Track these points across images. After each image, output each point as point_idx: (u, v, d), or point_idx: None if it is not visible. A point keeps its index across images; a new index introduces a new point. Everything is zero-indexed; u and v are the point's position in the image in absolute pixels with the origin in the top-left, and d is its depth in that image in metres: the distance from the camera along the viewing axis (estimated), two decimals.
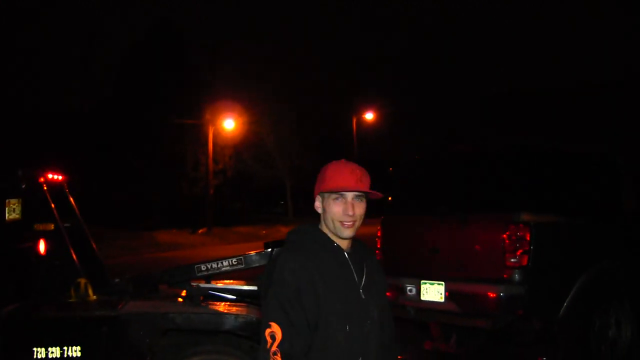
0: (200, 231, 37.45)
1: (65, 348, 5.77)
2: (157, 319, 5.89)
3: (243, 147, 43.83)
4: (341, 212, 3.36)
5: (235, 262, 6.83)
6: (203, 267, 6.78)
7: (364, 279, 3.44)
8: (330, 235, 3.42)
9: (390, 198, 9.06)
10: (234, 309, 6.16)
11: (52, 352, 5.76)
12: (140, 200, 41.56)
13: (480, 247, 7.48)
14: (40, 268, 6.62)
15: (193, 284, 6.75)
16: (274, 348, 3.15)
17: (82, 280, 6.51)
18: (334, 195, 3.37)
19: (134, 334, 5.86)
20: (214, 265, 6.81)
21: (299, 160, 46.85)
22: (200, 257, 6.99)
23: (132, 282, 6.88)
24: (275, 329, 3.17)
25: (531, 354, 7.92)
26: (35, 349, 5.75)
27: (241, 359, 5.98)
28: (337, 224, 3.37)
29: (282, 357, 3.15)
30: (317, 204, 3.47)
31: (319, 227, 3.47)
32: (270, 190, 51.85)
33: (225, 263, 6.81)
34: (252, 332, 5.96)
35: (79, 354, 5.77)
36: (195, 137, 40.54)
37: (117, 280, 6.94)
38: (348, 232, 3.38)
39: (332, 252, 3.39)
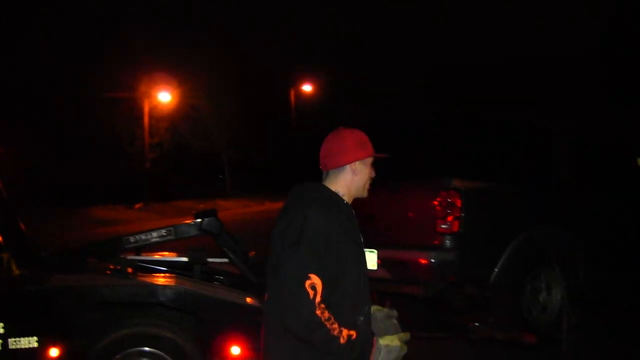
0: (137, 206, 36.96)
1: None
2: (84, 292, 5.76)
3: (180, 120, 43.32)
4: (371, 175, 3.72)
5: (165, 233, 6.73)
6: (132, 239, 6.65)
7: (361, 237, 3.74)
8: (341, 195, 3.62)
9: None
10: (163, 281, 6.05)
11: None
12: (76, 177, 40.83)
13: (412, 214, 7.46)
14: None
15: (123, 256, 6.64)
16: (318, 298, 3.27)
17: (4, 255, 6.32)
18: (370, 160, 3.69)
19: (60, 309, 5.70)
20: (143, 237, 6.69)
21: (236, 133, 46.53)
22: (136, 232, 6.86)
23: (59, 256, 6.71)
24: (316, 280, 3.28)
25: (465, 320, 7.97)
26: None
27: (171, 330, 5.86)
28: (366, 186, 3.73)
29: (326, 307, 3.29)
30: (356, 168, 3.64)
31: (326, 186, 3.63)
32: (209, 164, 51.39)
33: (154, 234, 6.70)
34: (182, 304, 5.87)
35: (1, 331, 5.61)
36: (130, 111, 39.92)
37: (43, 254, 6.74)
38: (367, 193, 3.76)
39: (345, 210, 3.60)
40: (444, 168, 7.52)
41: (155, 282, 5.97)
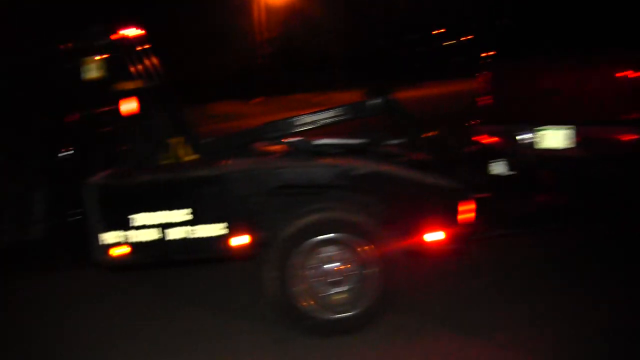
0: (254, 101, 36.79)
1: (167, 213, 5.20)
2: (266, 176, 5.27)
3: (292, 13, 42.61)
4: None
5: (341, 112, 6.19)
6: (305, 119, 6.13)
7: None
8: None
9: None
10: (348, 162, 5.50)
11: (151, 219, 5.20)
12: (190, 74, 40.63)
13: (615, 87, 6.63)
14: (127, 130, 5.99)
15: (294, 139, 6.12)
16: None
17: (177, 140, 5.89)
18: None
19: (241, 194, 5.24)
20: (316, 117, 6.18)
21: (346, 26, 45.46)
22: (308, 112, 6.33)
23: (222, 142, 6.22)
24: None
25: None
26: (133, 215, 5.20)
27: (359, 215, 5.33)
28: None
29: None
30: None
31: None
32: (320, 57, 50.64)
33: (328, 114, 6.17)
34: (370, 186, 5.36)
35: (184, 218, 5.21)
36: (242, 6, 39.37)
37: (207, 140, 6.26)
38: None
39: None
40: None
41: (340, 163, 5.42)
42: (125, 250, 5.24)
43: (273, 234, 5.33)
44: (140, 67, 6.04)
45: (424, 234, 5.38)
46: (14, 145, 6.88)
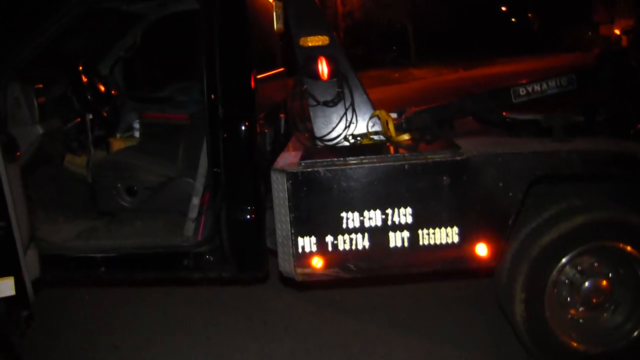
0: None
1: (389, 212, 3.90)
2: (525, 162, 3.95)
3: None
4: None
5: (566, 83, 4.83)
6: (522, 91, 4.81)
7: None
8: None
9: None
10: (621, 145, 4.16)
11: (369, 218, 3.91)
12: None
13: None
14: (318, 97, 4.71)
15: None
16: None
17: (382, 113, 4.58)
18: None
19: (486, 186, 3.92)
20: (537, 88, 4.82)
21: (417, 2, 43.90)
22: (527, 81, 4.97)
23: (420, 117, 4.87)
24: None
25: None
26: (343, 214, 3.91)
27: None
28: None
29: None
30: None
31: None
32: (389, 34, 49.38)
33: (551, 84, 4.83)
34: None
35: (408, 220, 3.91)
36: None
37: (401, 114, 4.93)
38: None
39: None
40: None
41: (620, 146, 4.10)
42: (328, 260, 3.97)
43: (522, 241, 4.05)
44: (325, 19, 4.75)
45: None
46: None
